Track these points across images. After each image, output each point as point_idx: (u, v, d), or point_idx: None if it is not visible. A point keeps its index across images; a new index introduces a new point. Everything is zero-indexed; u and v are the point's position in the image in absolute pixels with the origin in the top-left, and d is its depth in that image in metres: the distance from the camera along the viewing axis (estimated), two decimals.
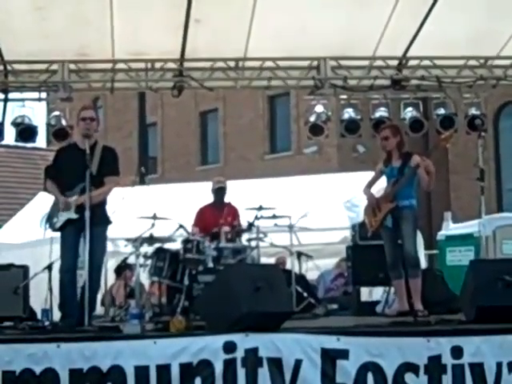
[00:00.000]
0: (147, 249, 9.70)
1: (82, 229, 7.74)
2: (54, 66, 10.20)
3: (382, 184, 9.04)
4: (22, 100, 10.49)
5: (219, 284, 7.02)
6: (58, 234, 8.19)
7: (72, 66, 10.24)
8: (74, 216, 7.87)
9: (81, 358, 6.26)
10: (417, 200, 8.69)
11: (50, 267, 8.99)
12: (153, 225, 9.59)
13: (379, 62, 10.78)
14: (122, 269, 11.76)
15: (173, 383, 6.23)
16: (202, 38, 10.06)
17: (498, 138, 24.18)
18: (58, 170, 8.12)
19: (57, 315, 8.34)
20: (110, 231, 8.68)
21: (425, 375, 6.38)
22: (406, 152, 8.78)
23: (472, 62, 10.79)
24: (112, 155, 8.13)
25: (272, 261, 11.72)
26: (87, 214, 7.62)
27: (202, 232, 9.82)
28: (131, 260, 10.09)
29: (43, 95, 10.63)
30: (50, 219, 8.10)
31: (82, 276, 7.88)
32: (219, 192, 10.51)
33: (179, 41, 10.10)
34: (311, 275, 12.19)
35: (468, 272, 7.56)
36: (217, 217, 9.97)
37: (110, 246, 10.95)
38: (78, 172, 7.77)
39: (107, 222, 8.14)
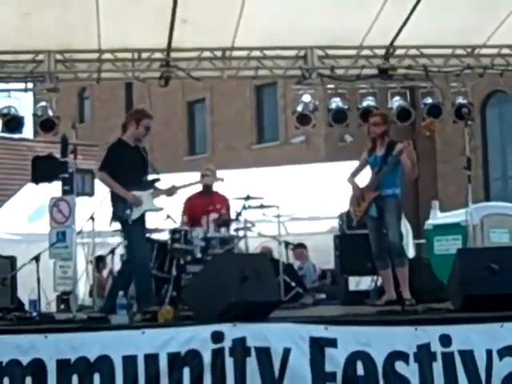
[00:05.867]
0: None
1: None
2: (40, 57, 10.15)
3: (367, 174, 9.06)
4: (8, 90, 10.42)
5: (207, 274, 7.01)
6: None
7: (58, 57, 10.20)
8: (157, 208, 8.51)
9: (68, 349, 6.23)
10: (401, 188, 8.69)
11: (37, 258, 8.97)
12: None
13: (366, 52, 10.77)
14: (100, 260, 11.79)
15: (161, 373, 6.22)
16: (188, 29, 10.02)
17: (485, 126, 24.22)
18: (117, 167, 8.33)
19: (44, 306, 8.35)
20: (97, 222, 8.59)
21: (415, 363, 6.39)
22: (389, 141, 8.78)
23: (459, 51, 10.80)
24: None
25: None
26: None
27: (192, 220, 9.81)
28: (119, 251, 10.08)
29: (29, 86, 10.57)
30: (121, 212, 8.22)
31: None
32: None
33: (166, 31, 10.05)
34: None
35: (455, 261, 7.57)
36: (205, 205, 9.96)
37: (97, 237, 10.95)
38: (140, 169, 8.43)
39: None
